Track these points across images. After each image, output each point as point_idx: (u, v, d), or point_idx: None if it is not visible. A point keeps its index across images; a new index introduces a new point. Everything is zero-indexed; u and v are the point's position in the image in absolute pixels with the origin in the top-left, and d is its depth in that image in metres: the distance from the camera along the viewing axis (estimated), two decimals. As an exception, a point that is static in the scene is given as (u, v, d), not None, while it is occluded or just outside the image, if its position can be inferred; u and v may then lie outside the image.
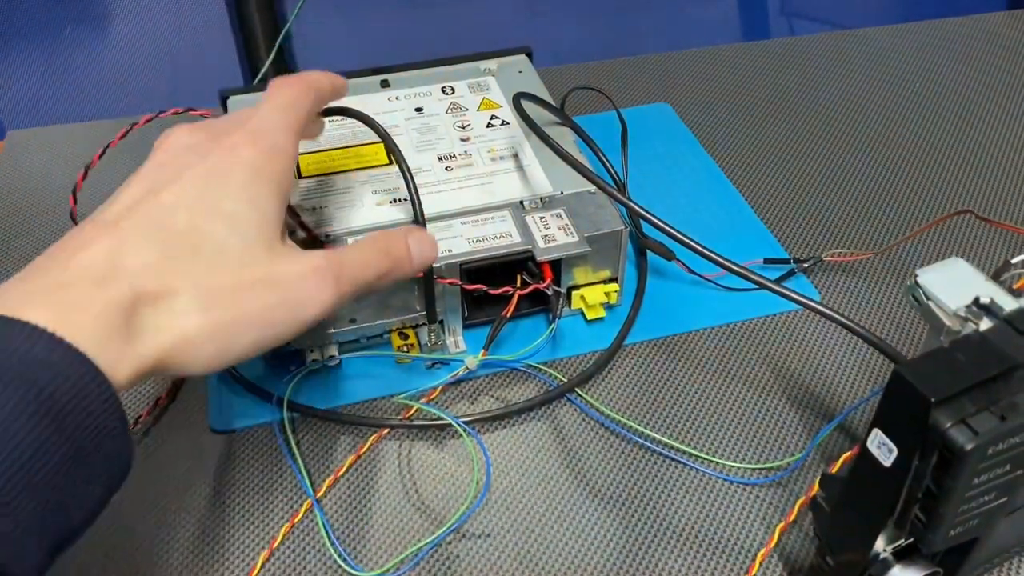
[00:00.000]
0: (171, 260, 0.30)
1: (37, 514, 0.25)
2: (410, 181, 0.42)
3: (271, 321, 0.31)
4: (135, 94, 1.84)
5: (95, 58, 2.01)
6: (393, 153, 0.43)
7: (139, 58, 1.99)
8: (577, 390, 0.44)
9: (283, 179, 0.34)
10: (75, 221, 0.47)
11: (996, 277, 0.31)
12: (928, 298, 0.30)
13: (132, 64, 1.97)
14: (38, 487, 0.24)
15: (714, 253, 0.39)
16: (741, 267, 0.39)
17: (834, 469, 0.38)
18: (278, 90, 0.38)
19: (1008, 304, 0.28)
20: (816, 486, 0.34)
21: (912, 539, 0.30)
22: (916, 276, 0.30)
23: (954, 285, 0.29)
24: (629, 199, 0.42)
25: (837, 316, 0.36)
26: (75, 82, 1.91)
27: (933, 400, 0.25)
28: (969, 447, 0.25)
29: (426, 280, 0.42)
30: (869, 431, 0.27)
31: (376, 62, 0.59)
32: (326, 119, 0.51)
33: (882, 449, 0.27)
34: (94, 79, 1.93)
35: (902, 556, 0.30)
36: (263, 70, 0.68)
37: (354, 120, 0.52)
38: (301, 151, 0.50)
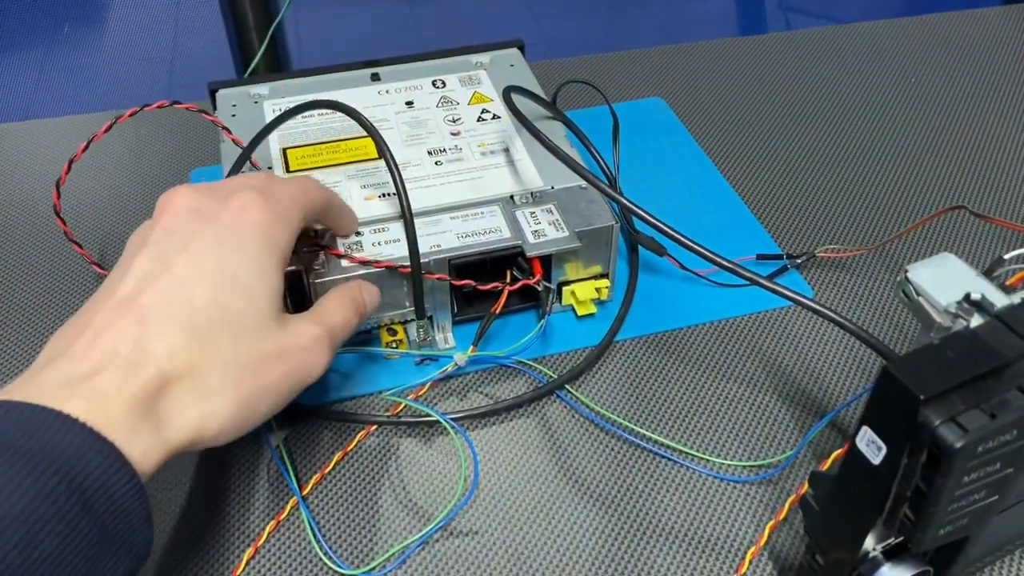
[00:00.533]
0: (196, 339, 0.30)
1: None
2: (397, 176, 0.42)
3: (284, 390, 0.33)
4: (129, 89, 1.83)
5: (90, 54, 2.00)
6: (376, 142, 0.42)
7: (134, 53, 1.98)
8: (567, 387, 0.43)
9: (286, 249, 0.35)
10: (59, 215, 0.47)
11: (989, 273, 0.30)
12: (919, 294, 0.29)
13: (126, 59, 1.96)
14: (68, 571, 0.25)
15: (705, 248, 0.39)
16: (732, 263, 0.38)
17: (825, 466, 0.38)
18: (301, 177, 0.39)
19: (999, 300, 0.28)
20: (806, 484, 0.34)
21: (902, 537, 0.30)
22: (906, 272, 0.30)
23: (945, 281, 0.29)
24: (620, 194, 0.42)
25: (828, 312, 0.35)
26: (70, 78, 1.91)
27: (922, 397, 0.25)
28: (959, 445, 0.25)
29: (414, 276, 0.42)
30: (858, 429, 0.27)
31: (367, 55, 0.59)
32: (316, 112, 0.50)
33: (871, 447, 0.27)
34: (89, 75, 1.92)
35: (892, 555, 0.30)
36: (254, 62, 0.68)
37: (341, 116, 0.51)
38: (289, 145, 0.50)
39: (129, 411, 0.28)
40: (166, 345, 0.30)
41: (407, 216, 0.41)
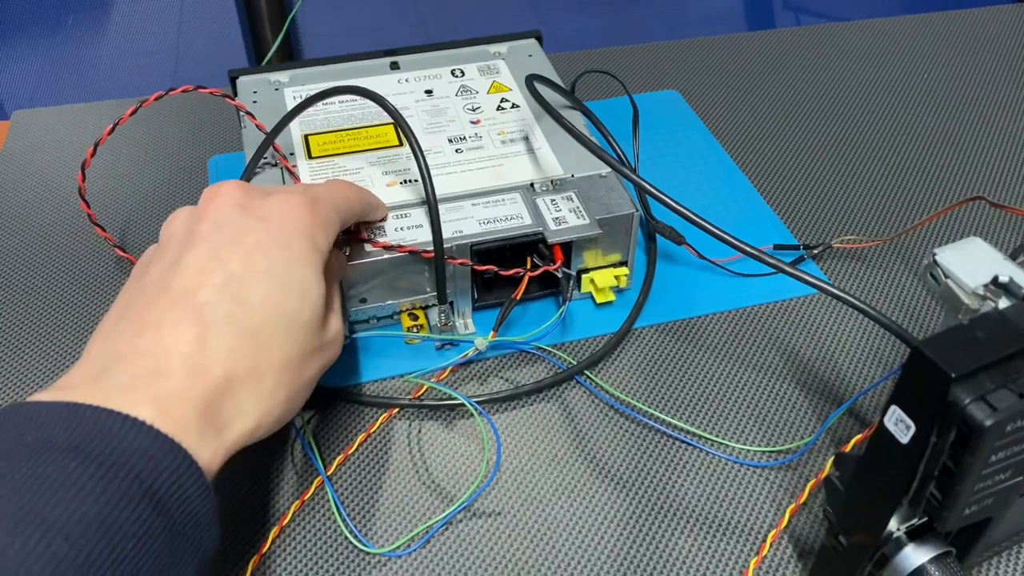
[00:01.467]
0: (254, 340, 0.31)
1: None
2: (422, 161, 0.42)
3: (315, 381, 0.35)
4: (134, 80, 1.83)
5: (94, 45, 2.00)
6: (405, 133, 0.43)
7: (138, 45, 1.98)
8: (587, 372, 0.44)
9: (326, 254, 0.36)
10: (83, 197, 0.47)
11: (1014, 258, 0.31)
12: (947, 276, 0.29)
13: (131, 51, 1.96)
14: (144, 571, 0.25)
15: (730, 236, 0.39)
16: (757, 250, 0.39)
17: (846, 451, 0.38)
18: (337, 182, 0.41)
19: (1026, 283, 0.28)
20: (828, 467, 0.34)
21: (926, 518, 0.30)
22: (935, 255, 0.30)
23: (972, 264, 0.29)
24: (644, 180, 0.42)
25: (853, 300, 0.36)
26: (74, 69, 1.91)
27: (953, 376, 0.25)
28: (988, 423, 0.25)
29: (437, 261, 0.42)
30: (886, 408, 0.27)
31: (376, 47, 0.59)
32: (337, 99, 0.51)
33: (899, 426, 0.27)
34: (93, 66, 1.92)
35: (915, 535, 0.30)
36: (270, 54, 0.68)
37: (362, 104, 0.52)
38: (311, 132, 0.50)
39: (195, 414, 0.28)
40: (227, 346, 0.30)
41: (431, 202, 0.42)
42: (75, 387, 0.28)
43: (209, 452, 0.28)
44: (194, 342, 0.30)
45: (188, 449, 0.27)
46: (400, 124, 0.43)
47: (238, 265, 0.32)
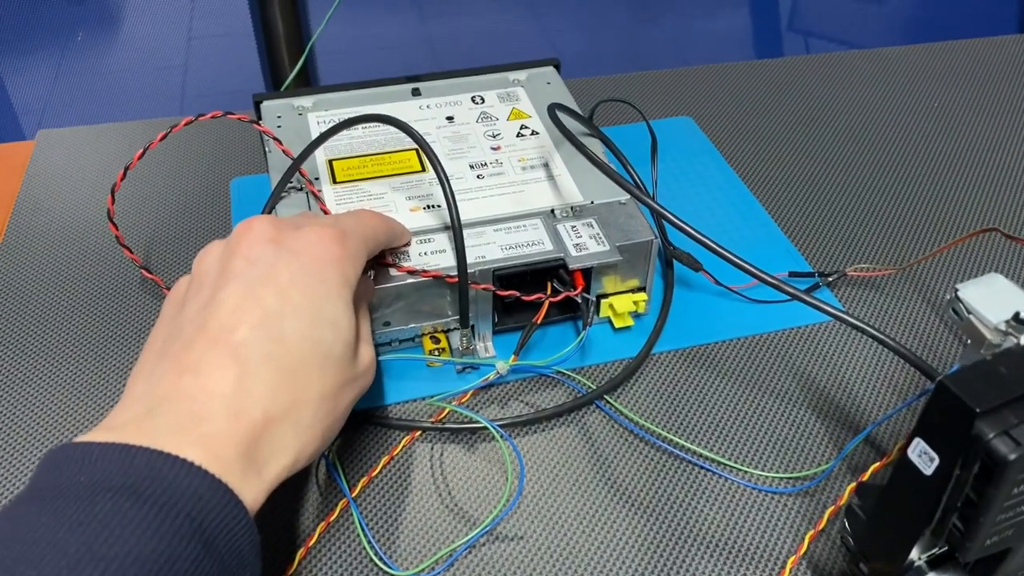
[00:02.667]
0: (292, 378, 0.32)
1: None
2: (447, 186, 0.43)
3: (349, 410, 0.36)
4: (142, 98, 1.85)
5: (103, 63, 2.02)
6: (430, 158, 0.43)
7: (147, 62, 2.00)
8: (606, 397, 0.44)
9: (355, 286, 0.36)
10: (112, 220, 0.48)
11: (1032, 293, 0.32)
12: (969, 312, 0.30)
13: (140, 68, 1.98)
14: None
15: (748, 264, 0.40)
16: (774, 277, 0.40)
17: (864, 479, 0.39)
18: (364, 212, 0.41)
19: (1047, 319, 0.29)
20: (846, 495, 0.35)
21: (947, 548, 0.31)
22: (957, 291, 0.31)
23: (994, 300, 0.30)
24: (664, 209, 0.43)
25: (872, 330, 0.36)
26: (83, 86, 1.92)
27: (978, 411, 0.26)
28: (1012, 457, 0.26)
29: (461, 285, 0.43)
30: (910, 440, 0.28)
31: (391, 70, 0.60)
32: (360, 127, 0.52)
33: (923, 458, 0.28)
34: (102, 83, 1.94)
35: (936, 564, 0.31)
36: (291, 77, 0.69)
37: (385, 129, 0.53)
38: (335, 157, 0.51)
39: (238, 455, 0.29)
40: (265, 386, 0.31)
41: (456, 227, 0.42)
42: (123, 427, 0.29)
43: (252, 491, 0.29)
44: (234, 383, 0.30)
45: (234, 489, 0.28)
46: (427, 152, 0.43)
47: (273, 301, 0.32)
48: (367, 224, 0.39)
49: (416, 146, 0.52)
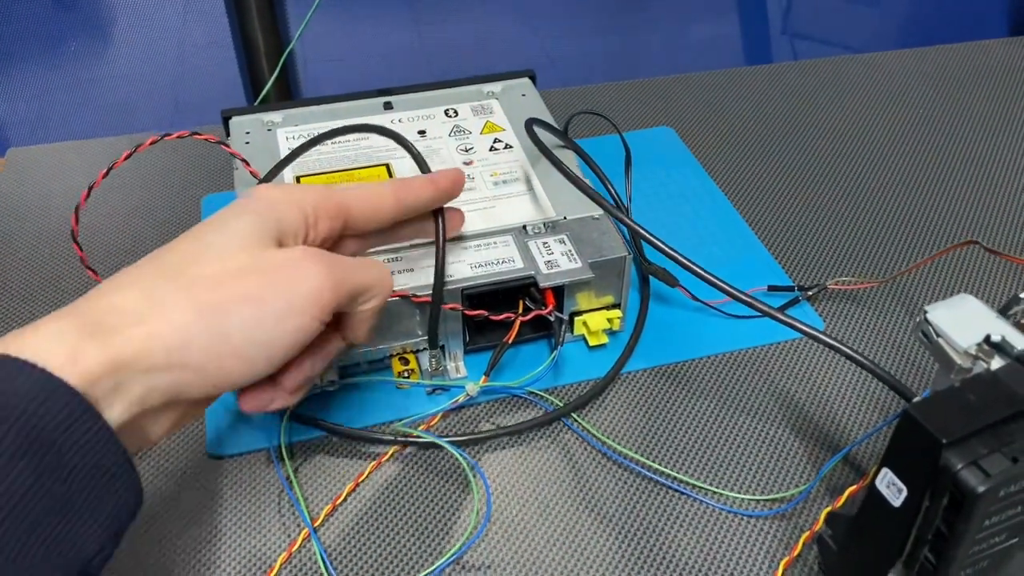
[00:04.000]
0: (152, 269, 0.30)
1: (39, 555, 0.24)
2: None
3: (261, 297, 0.30)
4: (134, 109, 1.84)
5: (94, 73, 2.01)
6: (418, 161, 0.43)
7: (139, 73, 1.99)
8: (574, 416, 0.43)
9: (272, 212, 0.33)
10: (76, 240, 0.47)
11: (1004, 311, 0.31)
12: (938, 335, 0.29)
13: (132, 79, 1.97)
14: (35, 527, 0.24)
15: (720, 280, 0.39)
16: (745, 294, 0.39)
17: (839, 502, 0.37)
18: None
19: (1020, 343, 0.28)
20: (821, 520, 0.34)
21: (920, 579, 0.30)
22: (925, 313, 0.30)
23: (964, 322, 0.29)
24: (639, 226, 0.42)
25: (843, 348, 0.35)
26: (74, 97, 1.92)
27: (944, 441, 0.25)
28: (981, 489, 0.25)
29: (434, 305, 0.42)
30: (878, 470, 0.27)
31: (375, 81, 0.59)
32: (329, 142, 0.50)
33: (891, 489, 0.27)
34: (93, 94, 1.93)
35: (910, 596, 0.30)
36: (266, 89, 0.68)
37: (355, 143, 0.52)
38: (303, 174, 0.50)
39: (63, 328, 0.27)
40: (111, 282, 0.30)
41: (440, 246, 0.41)
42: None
43: (84, 361, 0.26)
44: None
45: (47, 365, 0.26)
46: (414, 154, 0.43)
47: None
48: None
49: (385, 162, 0.51)
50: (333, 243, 0.37)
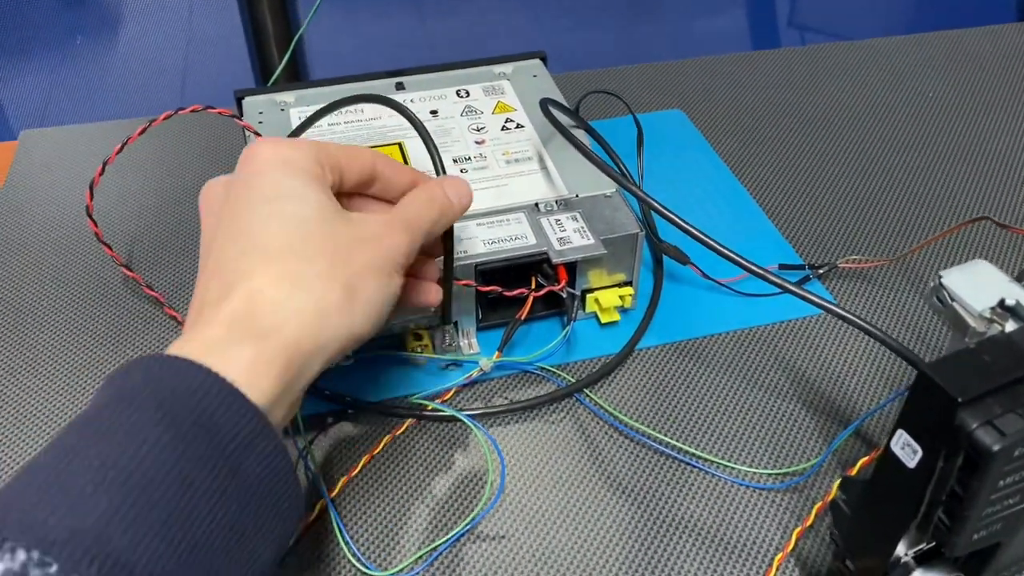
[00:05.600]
0: (267, 255, 0.31)
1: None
2: (438, 161, 0.41)
3: (380, 267, 0.33)
4: (142, 100, 1.85)
5: (103, 64, 2.02)
6: (428, 146, 0.42)
7: (147, 64, 2.00)
8: (587, 392, 0.44)
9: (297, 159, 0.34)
10: (90, 216, 0.47)
11: (1020, 279, 0.31)
12: (952, 299, 0.29)
13: (140, 70, 1.98)
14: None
15: (736, 254, 0.39)
16: (764, 269, 0.39)
17: (852, 473, 0.38)
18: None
19: (1033, 306, 0.28)
20: (834, 490, 0.34)
21: (934, 543, 0.30)
22: (940, 278, 0.30)
23: (978, 287, 0.29)
24: (651, 198, 0.42)
25: (857, 320, 0.35)
26: (83, 88, 1.92)
27: (960, 400, 0.25)
28: (996, 448, 0.25)
29: (446, 281, 0.42)
30: (893, 432, 0.27)
31: (382, 66, 0.59)
32: (343, 119, 0.51)
33: (906, 450, 0.27)
34: (101, 85, 1.94)
35: (923, 560, 0.30)
36: (277, 73, 0.69)
37: (368, 121, 0.52)
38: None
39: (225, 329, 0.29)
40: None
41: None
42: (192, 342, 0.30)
43: (239, 359, 0.28)
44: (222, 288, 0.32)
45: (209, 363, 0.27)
46: (424, 136, 0.42)
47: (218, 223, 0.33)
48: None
49: (398, 141, 0.51)
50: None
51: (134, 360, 0.28)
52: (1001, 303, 0.28)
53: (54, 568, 0.22)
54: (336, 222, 0.33)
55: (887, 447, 0.27)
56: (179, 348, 0.28)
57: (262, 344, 0.29)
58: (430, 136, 0.41)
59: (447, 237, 0.41)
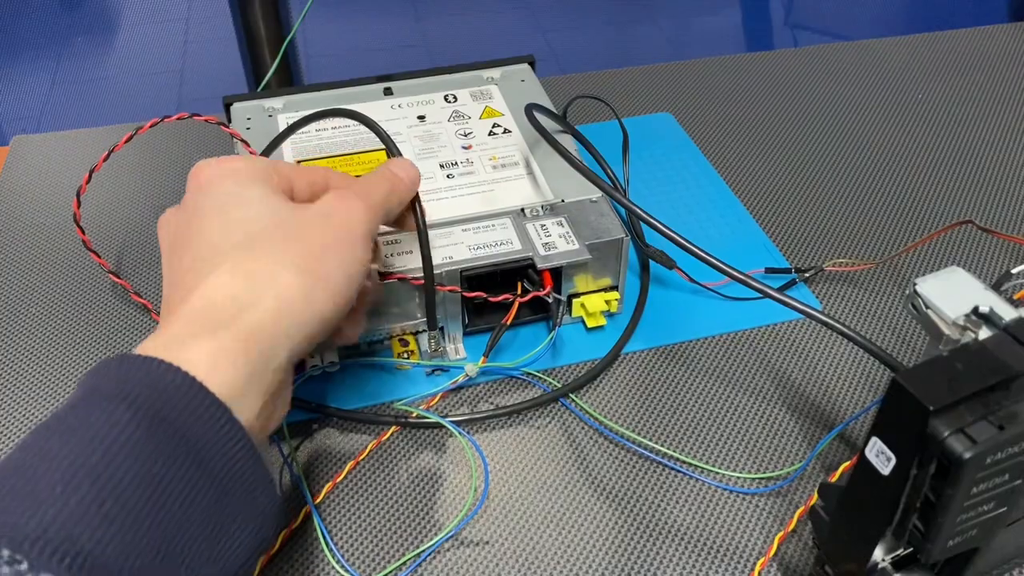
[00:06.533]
0: (217, 251, 0.32)
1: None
2: (392, 147, 0.42)
3: (335, 244, 0.33)
4: (140, 102, 1.85)
5: (101, 67, 2.02)
6: (377, 131, 0.42)
7: (145, 67, 2.00)
8: (572, 396, 0.44)
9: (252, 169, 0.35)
10: (78, 223, 0.48)
11: (997, 287, 0.31)
12: (927, 307, 0.29)
13: (138, 72, 1.98)
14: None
15: (717, 260, 0.39)
16: (744, 274, 0.39)
17: (834, 478, 0.38)
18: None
19: (1008, 313, 0.28)
20: (815, 495, 0.34)
21: (911, 549, 0.30)
22: (915, 285, 0.30)
23: (953, 294, 0.29)
24: (635, 205, 0.42)
25: (837, 325, 0.36)
26: (81, 90, 1.93)
27: (932, 408, 0.25)
28: (967, 456, 0.25)
29: (427, 287, 0.42)
30: (867, 439, 0.27)
31: (376, 69, 0.60)
32: (330, 125, 0.51)
33: (880, 457, 0.27)
34: (100, 88, 1.94)
35: (901, 566, 0.30)
36: (267, 77, 0.69)
37: (356, 127, 0.52)
38: (303, 158, 0.50)
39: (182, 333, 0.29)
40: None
41: (422, 228, 0.42)
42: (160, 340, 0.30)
43: (202, 351, 0.29)
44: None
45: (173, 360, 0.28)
46: (389, 147, 0.42)
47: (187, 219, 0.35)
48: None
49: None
50: None
51: (103, 360, 0.28)
52: (975, 310, 0.28)
53: (24, 566, 0.22)
54: (284, 211, 0.33)
55: (861, 454, 0.28)
56: (143, 347, 0.29)
57: (221, 334, 0.29)
58: (378, 126, 0.42)
59: (423, 243, 0.41)
